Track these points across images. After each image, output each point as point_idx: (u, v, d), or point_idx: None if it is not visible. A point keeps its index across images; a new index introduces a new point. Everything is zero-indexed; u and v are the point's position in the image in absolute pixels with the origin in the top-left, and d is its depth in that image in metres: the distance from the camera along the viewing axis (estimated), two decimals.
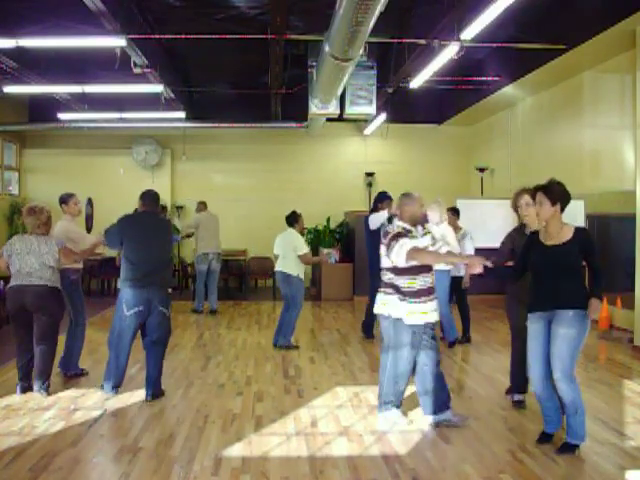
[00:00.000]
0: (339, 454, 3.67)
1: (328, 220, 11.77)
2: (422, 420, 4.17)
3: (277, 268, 6.74)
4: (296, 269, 6.58)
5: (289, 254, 6.59)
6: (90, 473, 3.44)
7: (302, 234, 6.92)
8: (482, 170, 11.40)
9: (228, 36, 7.24)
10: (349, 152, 13.03)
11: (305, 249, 6.63)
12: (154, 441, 3.89)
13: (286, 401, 4.76)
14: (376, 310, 4.16)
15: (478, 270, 3.77)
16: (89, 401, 4.73)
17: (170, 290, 5.16)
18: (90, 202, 11.75)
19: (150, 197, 5.02)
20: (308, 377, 5.50)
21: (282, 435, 3.99)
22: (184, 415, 4.40)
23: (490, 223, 8.73)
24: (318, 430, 4.09)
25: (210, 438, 3.92)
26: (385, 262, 4.06)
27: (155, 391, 4.82)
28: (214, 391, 5.02)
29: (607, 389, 5.04)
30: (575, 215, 9.07)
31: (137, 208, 5.21)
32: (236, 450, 3.73)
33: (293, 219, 6.80)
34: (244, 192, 12.35)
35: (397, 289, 3.98)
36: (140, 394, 4.88)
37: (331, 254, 10.33)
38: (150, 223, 4.93)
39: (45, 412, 4.44)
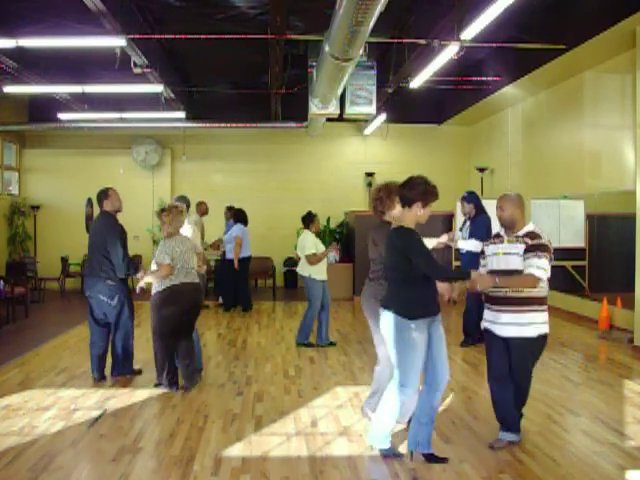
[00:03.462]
0: (339, 454, 3.67)
1: (328, 220, 11.77)
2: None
3: (297, 269, 6.98)
4: (308, 270, 6.69)
5: (303, 255, 6.74)
6: (90, 473, 3.44)
7: (318, 234, 6.96)
8: (482, 170, 11.40)
9: (228, 36, 7.23)
10: (349, 152, 13.03)
11: (310, 250, 6.66)
12: (154, 441, 3.90)
13: (286, 401, 4.75)
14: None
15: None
16: (89, 401, 4.73)
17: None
18: (90, 202, 11.75)
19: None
20: (308, 377, 5.50)
21: (282, 435, 3.99)
22: (184, 415, 4.40)
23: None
24: (318, 430, 4.09)
25: (210, 438, 3.93)
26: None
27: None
28: (214, 391, 5.02)
29: (607, 389, 5.04)
30: (575, 215, 9.10)
31: (106, 209, 5.42)
32: (236, 450, 3.73)
33: (308, 220, 6.90)
34: (244, 192, 12.34)
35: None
36: (140, 394, 4.89)
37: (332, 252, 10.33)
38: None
39: (45, 412, 4.44)
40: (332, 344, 6.82)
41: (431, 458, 3.53)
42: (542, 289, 3.64)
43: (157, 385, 5.06)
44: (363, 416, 4.27)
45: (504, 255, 3.71)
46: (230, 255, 9.19)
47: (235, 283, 9.43)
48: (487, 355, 3.83)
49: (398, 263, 3.47)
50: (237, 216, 9.39)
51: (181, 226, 5.14)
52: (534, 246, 3.58)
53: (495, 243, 3.81)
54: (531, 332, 3.60)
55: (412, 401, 3.54)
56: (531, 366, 3.74)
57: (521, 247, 3.62)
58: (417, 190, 3.47)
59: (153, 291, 4.98)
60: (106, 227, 5.26)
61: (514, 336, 3.62)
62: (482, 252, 3.94)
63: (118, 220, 5.41)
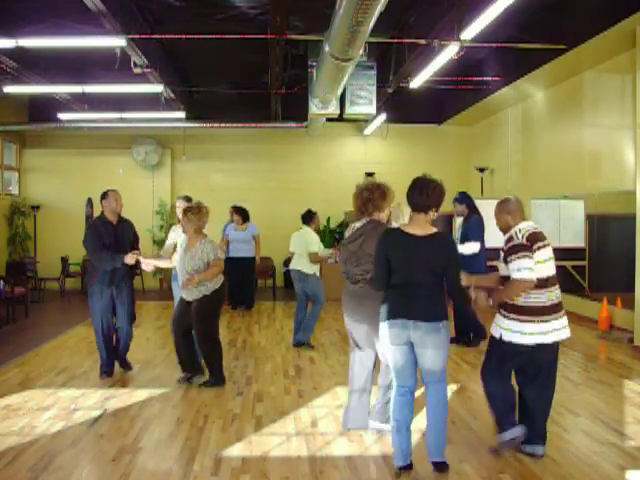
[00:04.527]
0: (339, 454, 3.67)
1: (328, 220, 11.77)
2: (421, 420, 4.16)
3: (292, 266, 6.83)
4: (312, 267, 6.68)
5: (305, 252, 6.66)
6: (90, 473, 3.44)
7: (317, 232, 6.96)
8: (482, 170, 11.41)
9: (228, 36, 7.23)
10: (349, 152, 13.03)
11: (315, 248, 6.66)
12: (154, 441, 3.90)
13: (286, 401, 4.75)
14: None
15: None
16: (89, 401, 4.73)
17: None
18: (90, 202, 11.75)
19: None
20: (308, 377, 5.50)
21: (282, 435, 3.99)
22: (184, 415, 4.41)
23: (490, 223, 8.83)
24: (318, 430, 4.09)
25: (210, 438, 3.93)
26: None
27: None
28: (214, 391, 5.01)
29: (607, 389, 5.04)
30: (575, 215, 9.10)
31: (103, 211, 5.49)
32: (236, 450, 3.73)
33: (308, 217, 6.89)
34: (244, 192, 12.31)
35: None
36: (140, 394, 4.89)
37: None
38: None
39: (45, 412, 4.44)
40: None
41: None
42: (521, 299, 3.48)
43: (211, 384, 5.11)
44: (369, 429, 4.02)
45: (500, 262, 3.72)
46: (241, 254, 9.20)
47: (241, 282, 9.40)
48: None
49: (442, 269, 3.33)
50: (246, 215, 9.37)
51: (203, 227, 5.19)
52: (507, 251, 3.52)
53: None
54: (494, 331, 3.61)
55: None
56: (496, 370, 3.61)
57: (502, 254, 3.60)
58: (436, 195, 3.38)
59: (202, 293, 4.99)
60: (87, 229, 5.54)
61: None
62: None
63: (104, 221, 5.41)
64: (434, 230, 3.39)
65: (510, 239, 3.55)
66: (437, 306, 3.34)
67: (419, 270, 3.33)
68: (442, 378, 3.44)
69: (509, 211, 3.64)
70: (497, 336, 3.57)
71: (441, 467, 3.40)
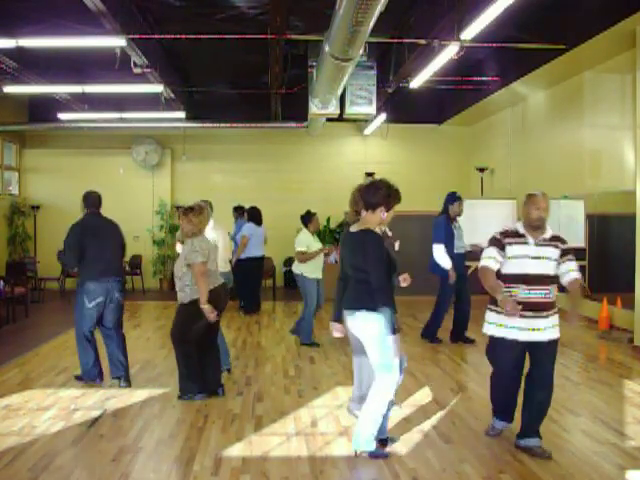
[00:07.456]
0: (339, 454, 3.67)
1: (328, 220, 11.77)
2: (424, 419, 4.17)
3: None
4: (299, 267, 6.74)
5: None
6: (90, 473, 3.43)
7: (316, 233, 6.97)
8: (482, 170, 11.40)
9: (228, 36, 7.23)
10: (349, 152, 13.03)
11: (300, 247, 6.70)
12: (154, 441, 3.90)
13: (286, 401, 4.75)
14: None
15: None
16: (89, 401, 4.73)
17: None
18: None
19: (91, 199, 5.41)
20: (308, 377, 5.50)
21: (282, 435, 3.99)
22: (184, 415, 4.40)
23: (490, 223, 8.77)
24: (318, 430, 4.09)
25: (210, 438, 3.92)
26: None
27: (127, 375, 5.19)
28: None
29: (607, 389, 5.04)
30: (575, 215, 9.10)
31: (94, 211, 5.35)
32: (236, 450, 3.73)
33: (306, 219, 6.94)
34: (244, 192, 12.29)
35: None
36: (140, 394, 4.89)
37: (332, 252, 10.24)
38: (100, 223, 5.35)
39: (45, 412, 4.44)
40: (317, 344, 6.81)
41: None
42: None
43: (185, 398, 4.71)
44: (349, 413, 4.26)
45: (535, 259, 3.55)
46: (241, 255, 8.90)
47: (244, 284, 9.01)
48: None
49: (361, 264, 3.53)
50: (250, 215, 9.22)
51: (204, 229, 4.85)
52: (568, 249, 3.63)
53: (520, 244, 3.58)
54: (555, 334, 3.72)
55: None
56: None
57: (556, 252, 3.56)
58: (379, 195, 3.54)
59: (190, 298, 4.61)
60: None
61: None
62: (502, 249, 3.62)
63: (86, 217, 5.30)
64: (364, 227, 3.58)
65: (562, 239, 3.66)
66: (360, 296, 3.51)
67: (346, 264, 3.67)
68: (380, 369, 3.50)
69: None
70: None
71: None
